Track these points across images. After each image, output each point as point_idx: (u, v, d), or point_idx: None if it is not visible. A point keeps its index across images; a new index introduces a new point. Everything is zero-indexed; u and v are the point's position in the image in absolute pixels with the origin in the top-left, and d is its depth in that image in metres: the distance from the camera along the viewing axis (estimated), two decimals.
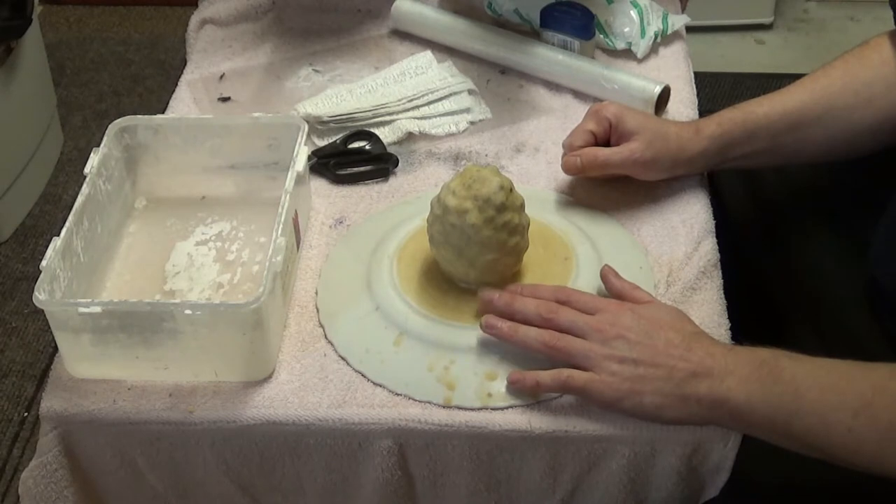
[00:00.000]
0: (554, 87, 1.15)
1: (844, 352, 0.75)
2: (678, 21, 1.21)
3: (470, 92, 1.12)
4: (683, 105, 1.11)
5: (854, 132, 0.93)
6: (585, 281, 0.89)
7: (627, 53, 1.19)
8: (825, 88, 0.94)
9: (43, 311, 0.80)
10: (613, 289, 0.86)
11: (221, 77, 1.19)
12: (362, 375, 0.84)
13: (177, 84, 1.18)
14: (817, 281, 0.99)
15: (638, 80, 1.10)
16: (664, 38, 1.20)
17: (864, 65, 0.93)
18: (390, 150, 1.06)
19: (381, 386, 0.83)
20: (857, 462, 0.73)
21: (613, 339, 0.79)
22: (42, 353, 1.77)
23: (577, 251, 0.92)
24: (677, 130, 0.96)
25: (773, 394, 0.74)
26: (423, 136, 1.08)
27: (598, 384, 0.78)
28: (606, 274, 0.87)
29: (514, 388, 0.82)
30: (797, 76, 0.98)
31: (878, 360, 0.74)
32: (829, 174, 1.04)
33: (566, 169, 0.97)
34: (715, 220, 0.97)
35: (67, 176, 2.13)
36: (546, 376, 0.80)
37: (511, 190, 0.84)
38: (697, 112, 1.10)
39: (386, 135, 1.07)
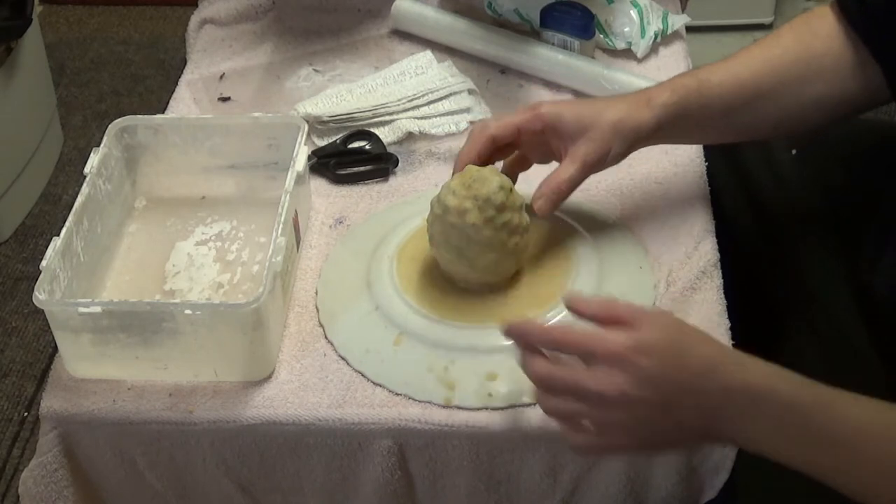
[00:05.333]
0: (554, 87, 1.15)
1: (840, 353, 0.75)
2: (678, 21, 1.21)
3: (470, 92, 1.12)
4: None
5: (803, 106, 0.91)
6: (585, 281, 0.89)
7: (627, 53, 1.19)
8: (779, 58, 0.92)
9: (43, 310, 0.81)
10: (587, 315, 0.75)
11: (221, 77, 1.19)
12: (362, 375, 0.84)
13: (177, 84, 1.18)
14: (813, 282, 0.99)
15: (638, 80, 1.10)
16: (664, 38, 1.20)
17: (815, 35, 0.91)
18: (390, 150, 1.06)
19: (380, 386, 0.83)
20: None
21: (617, 409, 0.71)
22: (42, 353, 1.77)
23: (578, 251, 0.92)
24: (625, 109, 0.89)
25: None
26: (423, 135, 1.08)
27: (605, 453, 0.80)
28: (574, 303, 0.75)
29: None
30: None
31: (870, 362, 0.73)
32: (826, 174, 1.04)
33: (541, 214, 0.88)
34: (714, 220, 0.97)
35: (67, 176, 2.12)
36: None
37: (511, 190, 0.84)
38: None
39: (386, 135, 1.07)
